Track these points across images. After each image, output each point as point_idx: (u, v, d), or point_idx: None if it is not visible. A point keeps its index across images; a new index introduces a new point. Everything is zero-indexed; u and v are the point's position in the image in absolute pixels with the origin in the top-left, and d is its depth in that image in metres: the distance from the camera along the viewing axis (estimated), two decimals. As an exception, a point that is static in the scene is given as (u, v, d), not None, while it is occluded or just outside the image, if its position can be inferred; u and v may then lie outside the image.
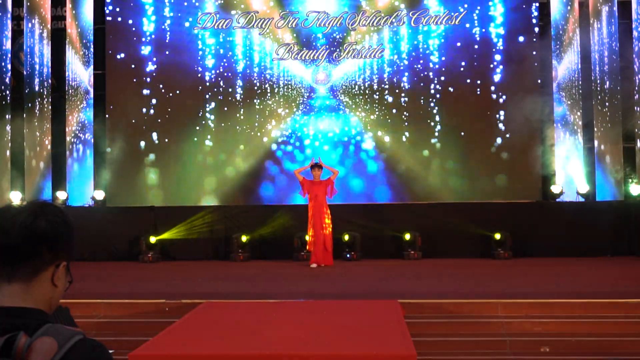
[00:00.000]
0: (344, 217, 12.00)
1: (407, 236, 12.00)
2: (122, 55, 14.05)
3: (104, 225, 12.26)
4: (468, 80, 13.68)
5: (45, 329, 1.45)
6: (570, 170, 13.50)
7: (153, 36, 14.01)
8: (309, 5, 13.87)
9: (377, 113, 13.80)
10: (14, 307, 1.49)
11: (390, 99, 13.78)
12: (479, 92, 13.67)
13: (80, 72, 13.98)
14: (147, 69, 13.98)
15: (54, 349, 1.42)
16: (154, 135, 13.94)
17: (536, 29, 13.78)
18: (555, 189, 13.06)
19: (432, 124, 13.72)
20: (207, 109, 13.92)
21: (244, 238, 12.10)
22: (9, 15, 13.22)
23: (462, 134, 13.66)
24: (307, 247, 11.31)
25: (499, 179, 13.50)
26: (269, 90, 13.90)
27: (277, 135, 13.89)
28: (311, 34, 13.89)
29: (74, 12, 13.94)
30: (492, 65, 13.68)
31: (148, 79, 13.97)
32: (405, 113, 13.77)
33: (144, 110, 13.95)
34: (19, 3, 13.48)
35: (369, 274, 10.30)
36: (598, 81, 13.28)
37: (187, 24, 13.96)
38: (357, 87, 13.83)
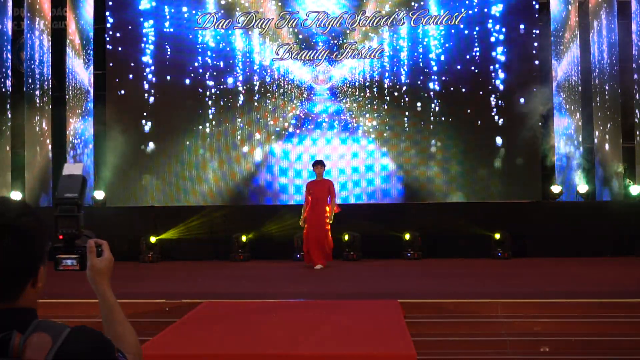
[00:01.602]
0: (344, 217, 11.99)
1: (407, 236, 12.00)
2: (122, 55, 14.06)
3: (104, 225, 12.25)
4: (468, 80, 13.68)
5: (35, 324, 1.47)
6: (570, 170, 13.51)
7: (153, 36, 14.02)
8: (309, 5, 13.87)
9: (376, 113, 13.80)
10: (2, 310, 1.50)
11: (390, 99, 13.78)
12: (479, 92, 13.67)
13: (80, 72, 13.98)
14: (147, 69, 13.99)
15: (48, 343, 1.44)
16: (154, 135, 13.95)
17: (536, 29, 13.78)
18: (555, 189, 13.06)
19: (432, 123, 13.72)
20: (207, 109, 13.92)
21: (244, 238, 12.10)
22: (9, 15, 13.22)
23: (462, 133, 13.66)
24: (303, 248, 10.96)
25: (501, 178, 13.51)
26: (268, 91, 13.91)
27: (276, 135, 13.89)
28: (311, 34, 13.90)
29: (74, 12, 13.94)
30: (491, 65, 13.69)
31: (148, 79, 13.98)
32: (405, 113, 13.77)
33: (144, 110, 13.96)
34: (19, 3, 13.47)
35: (369, 274, 10.30)
36: (598, 81, 13.28)
37: (187, 24, 13.97)
38: (357, 87, 13.83)
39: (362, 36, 13.85)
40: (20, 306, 1.51)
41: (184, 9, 13.99)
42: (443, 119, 13.69)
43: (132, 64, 14.02)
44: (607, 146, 13.13)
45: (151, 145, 13.95)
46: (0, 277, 1.47)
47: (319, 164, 11.04)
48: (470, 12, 13.70)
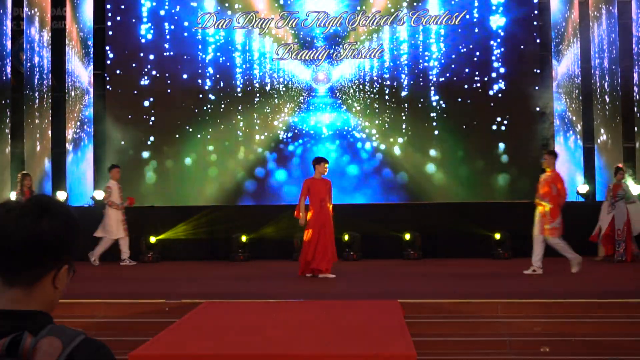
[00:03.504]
0: (344, 217, 11.98)
1: (407, 236, 12.00)
2: (122, 55, 14.05)
3: (104, 225, 12.25)
4: (468, 80, 13.67)
5: (49, 329, 1.47)
6: (570, 170, 13.50)
7: (152, 36, 14.01)
8: (309, 5, 13.87)
9: (376, 113, 13.79)
10: (17, 310, 1.50)
11: (390, 99, 13.77)
12: (479, 92, 13.67)
13: (80, 72, 13.98)
14: (147, 69, 13.98)
15: (58, 348, 1.43)
16: (154, 136, 13.94)
17: (536, 29, 13.77)
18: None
19: (432, 123, 13.72)
20: (207, 109, 13.91)
21: (244, 238, 12.10)
22: (9, 15, 13.21)
23: (462, 133, 13.65)
24: (303, 256, 9.87)
25: (501, 178, 13.51)
26: (268, 90, 13.90)
27: (276, 135, 13.89)
28: (311, 34, 13.89)
29: (74, 12, 13.94)
30: (492, 66, 13.68)
31: (148, 79, 13.97)
32: (405, 113, 13.77)
33: (144, 110, 13.95)
34: (19, 3, 13.46)
35: (369, 274, 10.30)
36: (598, 81, 13.28)
37: (186, 24, 13.96)
38: (356, 87, 13.83)
39: (362, 36, 13.85)
40: (37, 308, 1.51)
41: (184, 8, 13.97)
42: (444, 118, 13.68)
43: (132, 64, 14.00)
44: (607, 146, 13.12)
45: (151, 145, 13.93)
46: (30, 249, 1.49)
47: (323, 161, 10.01)
48: (471, 11, 13.70)
